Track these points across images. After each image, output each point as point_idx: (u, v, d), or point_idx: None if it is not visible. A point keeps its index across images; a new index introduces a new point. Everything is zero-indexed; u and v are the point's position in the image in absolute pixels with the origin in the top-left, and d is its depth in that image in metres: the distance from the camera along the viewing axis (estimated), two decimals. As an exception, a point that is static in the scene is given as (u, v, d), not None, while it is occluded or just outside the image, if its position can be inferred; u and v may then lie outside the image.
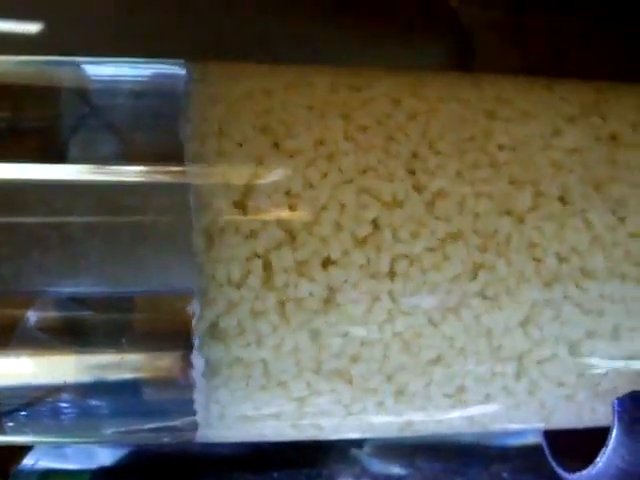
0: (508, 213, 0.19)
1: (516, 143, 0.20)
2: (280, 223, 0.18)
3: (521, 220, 0.19)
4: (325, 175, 0.18)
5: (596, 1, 0.30)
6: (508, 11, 0.27)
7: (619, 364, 0.20)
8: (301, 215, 0.18)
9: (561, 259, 0.19)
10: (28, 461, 0.24)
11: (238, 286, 0.18)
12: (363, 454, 0.25)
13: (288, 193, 0.18)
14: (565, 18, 0.29)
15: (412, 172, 0.19)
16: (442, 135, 0.19)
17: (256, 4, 0.26)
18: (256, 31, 0.25)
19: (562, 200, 0.19)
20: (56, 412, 0.19)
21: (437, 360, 0.19)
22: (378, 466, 0.25)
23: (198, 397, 0.19)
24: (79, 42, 0.26)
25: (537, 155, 0.20)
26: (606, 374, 0.20)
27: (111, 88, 0.20)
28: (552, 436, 0.23)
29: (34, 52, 0.20)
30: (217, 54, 0.21)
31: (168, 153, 0.19)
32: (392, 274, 0.18)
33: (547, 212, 0.19)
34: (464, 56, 0.27)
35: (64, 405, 0.19)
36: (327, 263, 0.18)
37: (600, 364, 0.20)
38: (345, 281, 0.18)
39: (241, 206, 0.18)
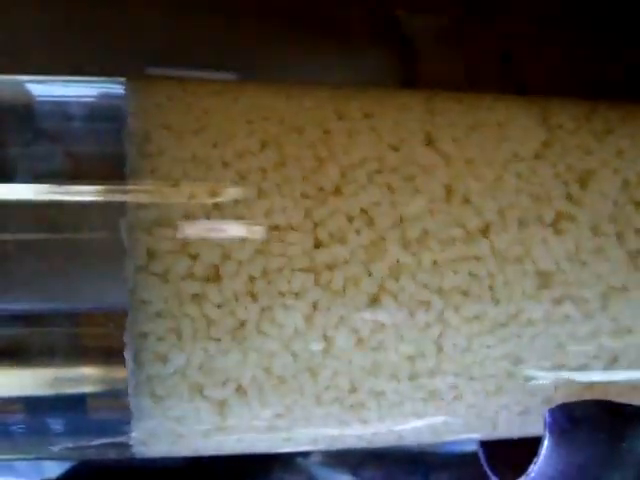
0: None
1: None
2: (215, 244, 0.18)
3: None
4: (266, 195, 0.19)
5: (543, 5, 0.30)
6: (450, 19, 0.27)
7: (558, 375, 0.21)
8: (238, 236, 0.18)
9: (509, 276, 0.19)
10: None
11: (170, 307, 0.18)
12: (309, 463, 0.25)
13: (226, 213, 0.18)
14: (509, 26, 0.29)
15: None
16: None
17: (194, 16, 0.26)
18: (196, 42, 0.25)
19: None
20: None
21: (391, 374, 0.19)
22: (324, 475, 0.25)
23: (134, 413, 0.19)
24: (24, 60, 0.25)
25: None
26: (547, 385, 0.21)
27: (53, 108, 0.20)
28: (488, 445, 0.23)
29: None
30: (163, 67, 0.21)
31: (106, 171, 0.19)
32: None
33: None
34: (405, 66, 0.27)
35: (8, 422, 0.19)
36: (264, 279, 0.18)
37: (542, 375, 0.20)
38: (282, 294, 0.18)
39: (177, 226, 0.18)
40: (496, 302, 0.19)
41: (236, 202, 0.18)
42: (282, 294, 0.18)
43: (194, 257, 0.18)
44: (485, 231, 0.19)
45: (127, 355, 0.18)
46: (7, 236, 0.18)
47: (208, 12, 0.26)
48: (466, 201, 0.19)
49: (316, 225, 0.19)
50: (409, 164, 0.20)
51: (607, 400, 0.20)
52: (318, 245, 0.19)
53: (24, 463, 0.25)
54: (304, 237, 0.19)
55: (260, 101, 0.20)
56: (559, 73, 0.30)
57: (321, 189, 0.19)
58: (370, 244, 0.19)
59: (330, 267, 0.19)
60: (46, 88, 0.21)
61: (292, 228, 0.19)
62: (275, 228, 0.18)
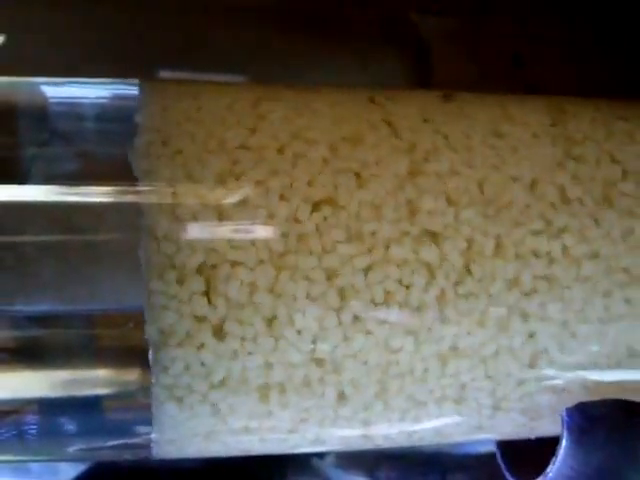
0: None
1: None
2: (231, 244, 0.18)
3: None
4: (281, 196, 0.19)
5: (554, 6, 0.30)
6: (465, 21, 0.27)
7: (571, 375, 0.20)
8: (252, 235, 0.18)
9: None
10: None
11: (188, 305, 0.18)
12: (325, 464, 0.25)
13: (239, 213, 0.18)
14: (522, 27, 0.29)
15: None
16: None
17: (208, 17, 0.26)
18: (210, 44, 0.25)
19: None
20: (15, 431, 0.19)
21: (396, 375, 0.19)
22: (339, 476, 0.25)
23: (155, 414, 0.19)
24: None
25: None
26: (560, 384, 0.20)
27: (68, 109, 0.20)
28: (505, 445, 0.23)
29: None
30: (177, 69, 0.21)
31: (121, 173, 0.19)
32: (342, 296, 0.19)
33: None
34: (422, 69, 0.27)
35: (24, 423, 0.19)
36: (275, 283, 0.18)
37: (555, 375, 0.20)
38: (294, 298, 0.18)
39: (191, 226, 0.18)
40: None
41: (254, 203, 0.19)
42: (295, 299, 0.18)
43: (209, 255, 0.18)
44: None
45: (148, 354, 0.18)
46: (25, 238, 0.18)
47: (221, 13, 0.26)
48: None
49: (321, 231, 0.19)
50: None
51: (625, 399, 0.20)
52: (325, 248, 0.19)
53: (39, 465, 0.25)
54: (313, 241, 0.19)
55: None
56: (569, 74, 0.30)
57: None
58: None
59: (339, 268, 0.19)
60: (61, 90, 0.21)
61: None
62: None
